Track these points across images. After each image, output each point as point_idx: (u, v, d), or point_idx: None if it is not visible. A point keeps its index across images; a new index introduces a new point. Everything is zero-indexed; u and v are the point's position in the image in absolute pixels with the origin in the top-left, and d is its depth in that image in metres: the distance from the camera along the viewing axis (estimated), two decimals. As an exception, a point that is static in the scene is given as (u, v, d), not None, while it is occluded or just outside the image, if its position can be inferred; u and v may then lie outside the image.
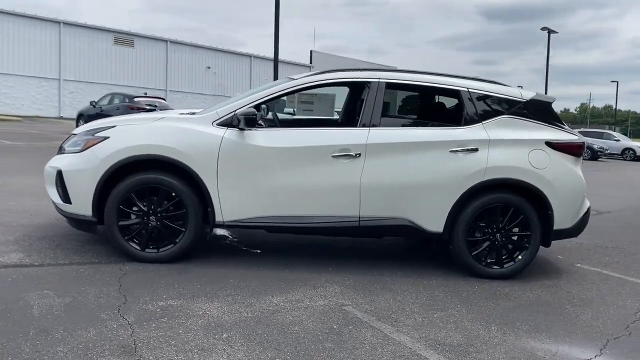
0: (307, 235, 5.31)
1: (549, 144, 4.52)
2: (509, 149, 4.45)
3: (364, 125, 4.44)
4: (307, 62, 46.11)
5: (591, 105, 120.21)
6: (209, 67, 41.18)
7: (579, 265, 5.24)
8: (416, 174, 4.37)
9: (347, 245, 5.40)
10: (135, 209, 4.27)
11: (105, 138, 4.24)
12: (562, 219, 4.53)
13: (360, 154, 4.32)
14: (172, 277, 4.00)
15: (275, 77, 19.00)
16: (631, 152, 31.17)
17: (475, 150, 4.41)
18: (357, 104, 5.38)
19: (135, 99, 18.64)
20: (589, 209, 4.85)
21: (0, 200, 6.27)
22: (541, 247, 4.69)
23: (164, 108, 17.54)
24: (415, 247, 5.58)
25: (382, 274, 4.46)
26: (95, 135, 4.31)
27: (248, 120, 4.21)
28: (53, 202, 4.50)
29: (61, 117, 31.90)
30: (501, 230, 4.48)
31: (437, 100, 5.40)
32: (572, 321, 3.72)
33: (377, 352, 3.01)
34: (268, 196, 4.29)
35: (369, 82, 4.57)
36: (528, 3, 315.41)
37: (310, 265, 4.55)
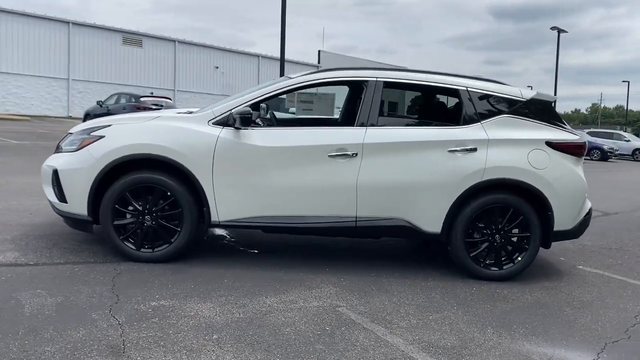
0: (304, 236, 5.28)
1: (549, 144, 4.45)
2: (508, 149, 4.39)
3: (361, 125, 4.39)
4: (315, 61, 46.05)
5: (602, 106, 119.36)
6: (217, 67, 41.25)
7: (580, 267, 5.16)
8: (414, 174, 4.32)
9: (346, 245, 5.36)
10: (130, 208, 4.25)
11: (101, 137, 4.23)
12: (562, 220, 4.46)
13: (357, 154, 4.28)
14: (167, 277, 3.98)
15: (282, 77, 18.92)
16: (642, 152, 30.86)
17: (474, 150, 4.35)
18: (356, 104, 5.33)
19: (142, 99, 18.73)
20: (590, 210, 4.77)
21: (1, 199, 6.30)
22: (542, 248, 4.63)
23: (170, 107, 17.58)
24: (415, 249, 5.52)
25: (379, 275, 4.41)
26: (91, 134, 4.30)
27: (244, 120, 4.18)
28: (49, 201, 4.50)
29: (70, 117, 32.07)
30: (500, 231, 4.42)
31: (436, 100, 5.35)
32: (571, 324, 3.66)
33: (369, 355, 2.97)
34: (264, 196, 4.26)
35: (367, 81, 4.52)
36: (539, 2, 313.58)
37: (307, 266, 4.52)
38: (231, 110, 4.27)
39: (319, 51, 46.67)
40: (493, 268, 4.47)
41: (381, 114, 4.53)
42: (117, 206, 4.19)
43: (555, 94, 36.44)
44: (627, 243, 6.40)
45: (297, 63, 43.54)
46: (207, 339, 3.02)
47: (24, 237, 4.74)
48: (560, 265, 5.18)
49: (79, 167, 4.20)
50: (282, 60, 19.98)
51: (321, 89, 5.15)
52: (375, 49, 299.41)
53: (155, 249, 4.26)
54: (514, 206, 4.38)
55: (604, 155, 28.30)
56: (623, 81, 61.88)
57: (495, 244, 4.44)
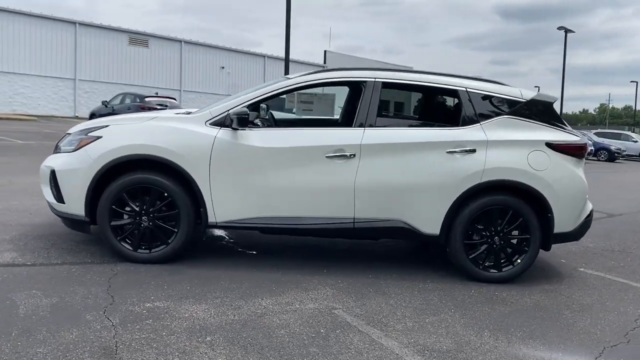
0: (303, 237, 5.25)
1: (550, 145, 4.40)
2: (508, 150, 4.35)
3: (360, 125, 4.37)
4: (321, 62, 46.04)
5: (611, 106, 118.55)
6: (223, 67, 41.36)
7: (582, 269, 5.11)
8: (412, 175, 4.29)
9: (345, 247, 5.33)
10: (127, 209, 4.25)
11: (98, 138, 4.23)
12: (562, 222, 4.41)
13: (354, 155, 4.25)
14: (163, 278, 3.98)
15: (286, 77, 18.92)
16: (649, 153, 30.63)
17: (473, 151, 4.31)
18: (356, 104, 5.30)
19: (146, 99, 18.78)
20: (591, 212, 4.72)
21: (3, 198, 6.32)
22: (545, 250, 4.59)
23: (174, 108, 17.62)
24: (414, 250, 5.49)
25: (377, 277, 4.38)
26: (89, 134, 4.30)
27: (240, 120, 4.16)
28: (47, 201, 4.50)
29: (76, 117, 32.24)
30: (499, 233, 4.38)
31: (435, 100, 5.31)
32: (569, 327, 3.62)
33: (362, 358, 2.95)
34: (261, 197, 4.24)
35: (365, 82, 4.49)
36: (546, 2, 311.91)
37: (305, 267, 4.50)
38: (228, 110, 4.26)
39: (325, 51, 46.65)
40: (492, 270, 4.43)
41: (380, 114, 4.50)
42: (114, 207, 4.19)
43: (562, 94, 36.25)
44: (630, 245, 6.33)
45: (302, 63, 43.57)
46: (200, 341, 3.00)
47: (22, 237, 4.75)
48: (561, 267, 5.13)
49: (77, 167, 4.20)
50: (287, 60, 19.98)
51: (322, 90, 5.12)
52: (381, 49, 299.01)
53: (152, 250, 4.25)
54: (513, 208, 4.34)
55: (611, 156, 28.13)
56: (631, 81, 61.22)
57: (495, 246, 4.40)
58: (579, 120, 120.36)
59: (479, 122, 4.42)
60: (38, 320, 3.10)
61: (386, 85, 4.53)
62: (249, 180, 4.22)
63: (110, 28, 34.99)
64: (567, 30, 35.15)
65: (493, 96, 4.52)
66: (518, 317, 3.74)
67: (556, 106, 4.75)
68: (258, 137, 4.26)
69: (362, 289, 4.08)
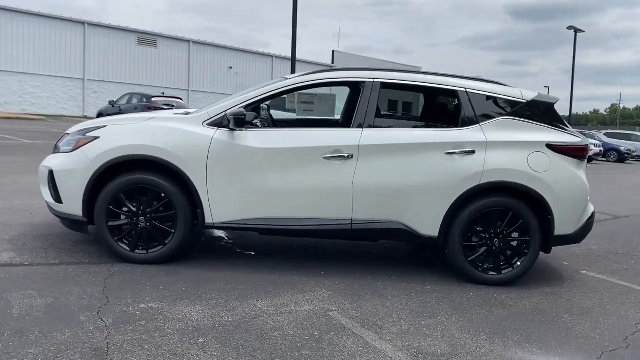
0: (302, 238, 5.24)
1: (550, 146, 4.35)
2: (508, 152, 4.30)
3: (358, 126, 4.34)
4: (329, 62, 46.00)
5: (622, 106, 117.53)
6: (231, 67, 41.43)
7: (584, 272, 5.04)
8: (410, 177, 4.25)
9: (343, 248, 5.30)
10: (125, 209, 4.25)
11: (96, 138, 4.23)
12: (563, 225, 4.35)
13: (352, 156, 4.22)
14: (159, 278, 3.97)
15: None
16: (660, 154, 30.30)
17: (472, 152, 4.27)
18: (355, 105, 5.27)
19: (153, 99, 18.86)
20: (593, 214, 4.65)
21: (5, 198, 6.35)
22: (545, 253, 4.53)
23: (181, 107, 17.67)
24: (414, 252, 5.45)
25: (375, 279, 4.35)
26: (86, 135, 4.30)
27: (237, 121, 4.15)
28: (46, 201, 4.52)
29: (85, 116, 32.43)
30: (499, 235, 4.34)
31: (434, 101, 5.27)
32: (568, 331, 3.57)
33: (355, 361, 2.92)
34: (258, 198, 4.23)
35: (363, 82, 4.46)
36: (557, 2, 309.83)
37: (302, 269, 4.47)
38: (226, 111, 4.24)
39: (333, 51, 46.61)
40: (491, 273, 4.39)
41: (379, 115, 4.46)
42: (111, 207, 4.19)
43: (572, 95, 35.98)
44: (635, 248, 6.25)
45: (310, 63, 43.54)
46: (192, 342, 2.99)
47: (21, 237, 4.76)
48: (563, 270, 5.07)
49: (74, 167, 4.20)
50: (293, 60, 19.97)
51: (322, 90, 5.09)
52: (389, 49, 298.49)
53: (150, 251, 4.25)
54: (513, 210, 4.29)
55: (621, 157, 27.88)
56: (642, 81, 60.53)
57: (494, 248, 4.35)
58: (590, 121, 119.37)
59: (478, 123, 4.38)
60: (32, 320, 3.10)
61: (385, 85, 4.50)
62: (246, 181, 4.20)
63: (119, 28, 35.17)
64: (576, 30, 34.90)
65: (493, 97, 4.47)
66: (516, 320, 3.69)
67: (559, 107, 4.69)
68: (255, 138, 4.24)
69: (358, 290, 4.05)
